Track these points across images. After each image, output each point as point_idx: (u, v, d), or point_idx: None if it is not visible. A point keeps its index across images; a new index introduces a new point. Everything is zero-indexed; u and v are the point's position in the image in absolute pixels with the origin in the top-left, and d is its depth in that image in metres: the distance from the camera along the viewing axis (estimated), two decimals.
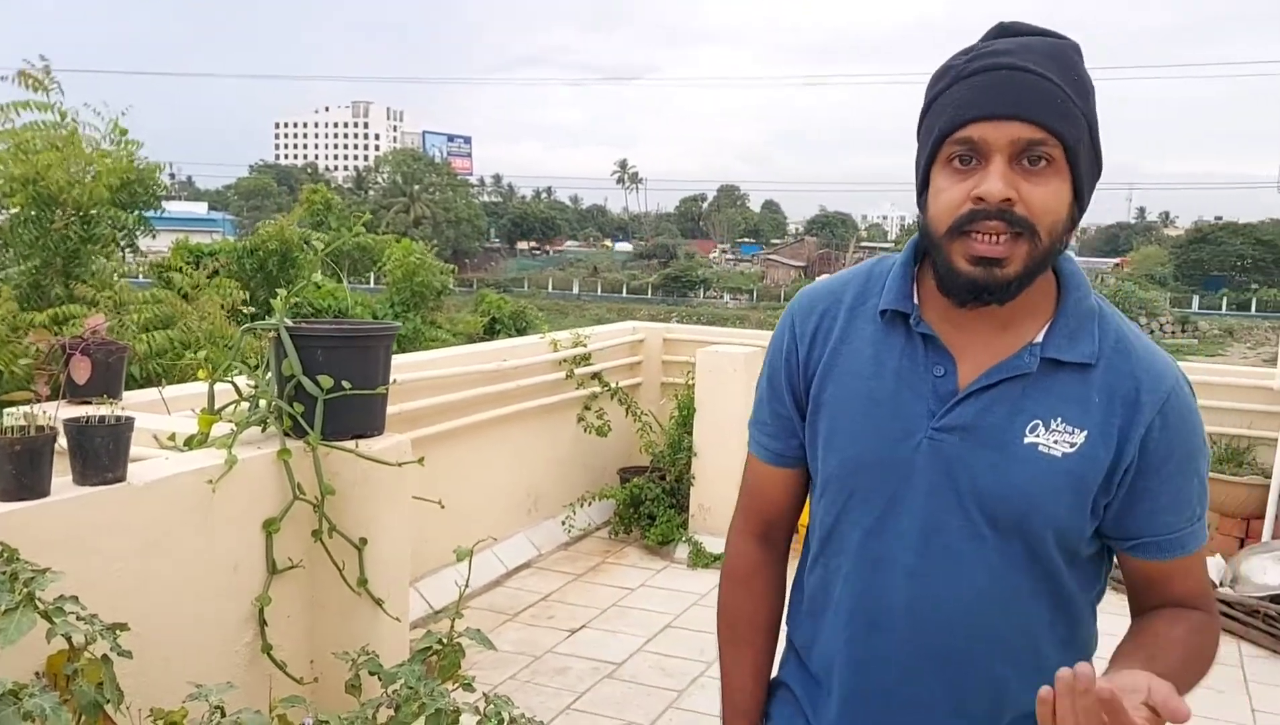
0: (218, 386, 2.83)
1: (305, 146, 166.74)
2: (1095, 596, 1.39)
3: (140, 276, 6.94)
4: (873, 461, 1.31)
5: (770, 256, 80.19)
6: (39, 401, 2.56)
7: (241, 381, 2.83)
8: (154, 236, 7.41)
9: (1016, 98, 1.19)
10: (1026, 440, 1.25)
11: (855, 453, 1.33)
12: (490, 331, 17.54)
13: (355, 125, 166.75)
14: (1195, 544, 1.32)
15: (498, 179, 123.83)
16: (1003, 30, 1.27)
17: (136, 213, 6.61)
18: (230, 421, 2.72)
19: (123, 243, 6.71)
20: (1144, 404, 1.26)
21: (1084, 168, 1.23)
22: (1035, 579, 1.29)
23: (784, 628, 1.56)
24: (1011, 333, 1.28)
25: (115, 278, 6.05)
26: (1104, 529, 1.31)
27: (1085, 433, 1.24)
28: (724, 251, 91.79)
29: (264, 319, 2.75)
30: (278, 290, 2.84)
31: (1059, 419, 1.25)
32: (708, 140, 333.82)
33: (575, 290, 70.14)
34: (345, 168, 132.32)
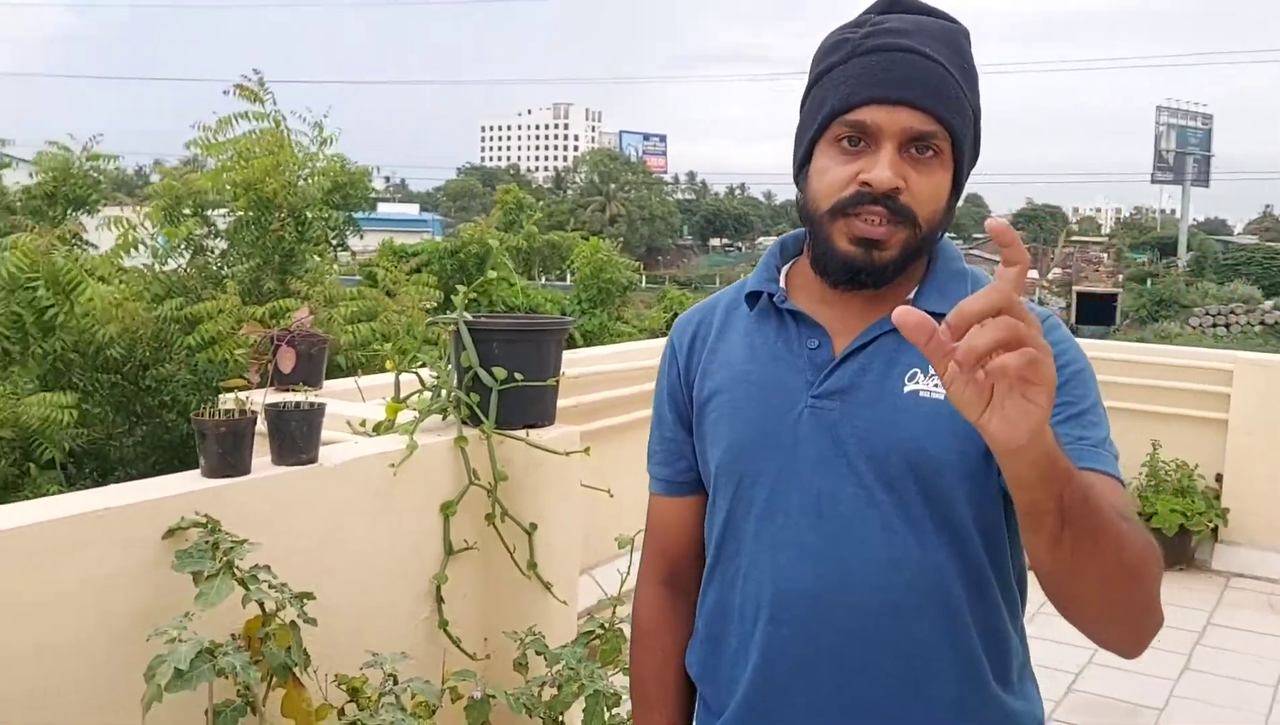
0: (406, 377, 3.01)
1: (509, 148, 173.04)
2: (1012, 575, 1.26)
3: (354, 275, 7.42)
4: (755, 441, 1.26)
5: (971, 251, 77.34)
6: (250, 388, 2.80)
7: (425, 372, 3.00)
8: (361, 236, 7.89)
9: (912, 84, 1.17)
10: (907, 389, 1.20)
11: (737, 436, 1.29)
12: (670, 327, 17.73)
13: (556, 127, 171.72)
14: (1108, 464, 1.17)
15: (691, 176, 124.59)
16: (894, 4, 1.24)
17: (346, 214, 7.07)
18: (414, 409, 2.89)
19: (334, 242, 7.20)
20: None
21: (967, 158, 1.23)
22: (946, 544, 1.20)
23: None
24: (884, 303, 1.23)
25: (326, 275, 6.50)
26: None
27: None
28: None
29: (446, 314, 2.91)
30: (458, 286, 3.00)
31: (930, 368, 1.17)
32: None
33: None
34: (546, 168, 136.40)
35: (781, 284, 1.34)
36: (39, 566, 1.89)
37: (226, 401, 2.45)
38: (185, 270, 6.84)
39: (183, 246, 6.84)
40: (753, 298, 1.34)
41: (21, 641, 1.85)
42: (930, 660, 1.22)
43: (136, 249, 6.28)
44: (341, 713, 2.28)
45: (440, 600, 2.75)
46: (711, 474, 1.34)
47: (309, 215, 6.42)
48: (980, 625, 1.23)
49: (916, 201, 1.19)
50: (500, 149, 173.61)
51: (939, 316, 1.05)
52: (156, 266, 6.55)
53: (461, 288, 2.92)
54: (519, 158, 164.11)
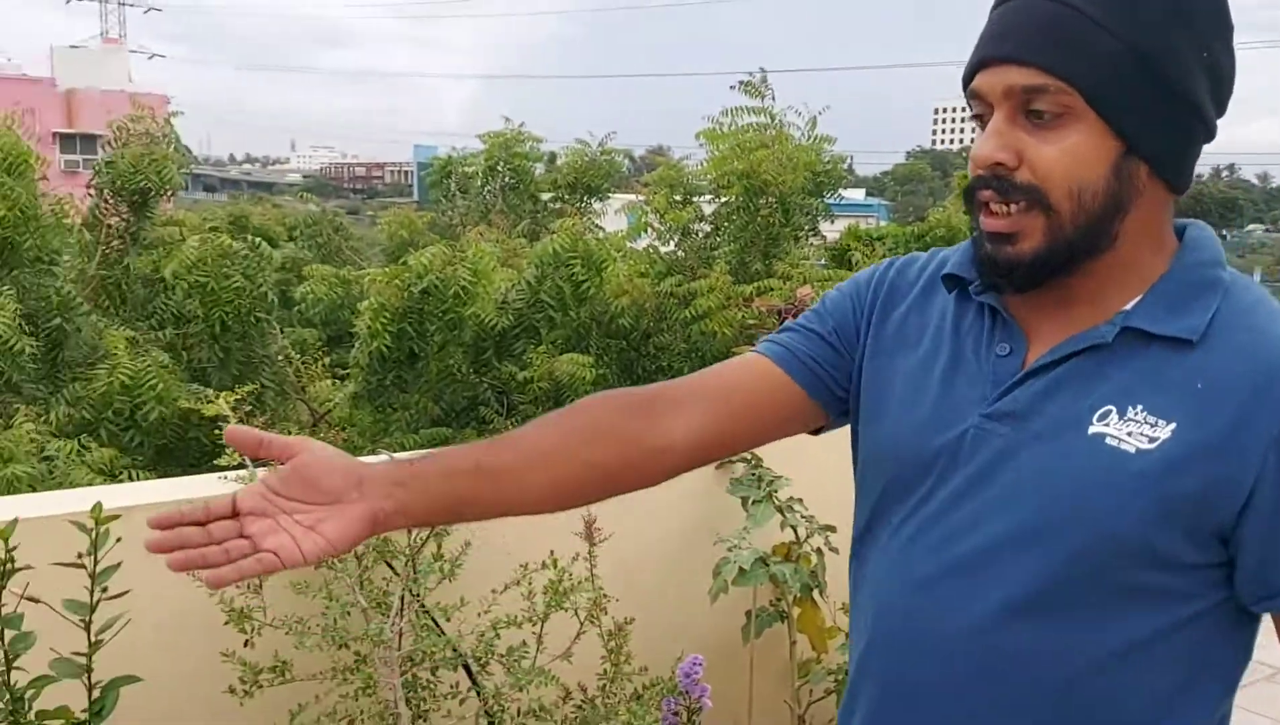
0: None
1: (963, 131, 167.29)
2: (1205, 672, 1.00)
3: (823, 260, 7.93)
4: (910, 451, 1.06)
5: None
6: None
7: None
8: (833, 221, 8.35)
9: (1013, 34, 0.97)
10: (1092, 430, 0.96)
11: (892, 438, 1.10)
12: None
13: None
14: None
15: None
16: None
17: (821, 200, 7.56)
18: None
19: (808, 227, 7.72)
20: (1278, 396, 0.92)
21: (1130, 111, 0.95)
22: (1085, 611, 0.96)
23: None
24: (1100, 307, 1.01)
25: (805, 257, 7.03)
26: (1243, 577, 0.95)
27: (1172, 426, 0.93)
28: None
29: None
30: None
31: (1139, 407, 0.95)
32: None
33: (1257, 277, 61.43)
34: None
35: None
36: None
37: None
38: (676, 252, 7.71)
39: (673, 230, 7.70)
40: (950, 281, 1.11)
41: (624, 528, 2.41)
42: None
43: (645, 232, 7.22)
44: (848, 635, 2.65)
45: None
46: (860, 458, 1.17)
47: (792, 201, 6.97)
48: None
49: (1041, 176, 0.96)
50: (954, 132, 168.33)
51: (1152, 337, 0.96)
52: (660, 247, 7.46)
53: None
54: (973, 140, 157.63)
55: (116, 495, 1.88)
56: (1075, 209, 0.96)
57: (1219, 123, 1.01)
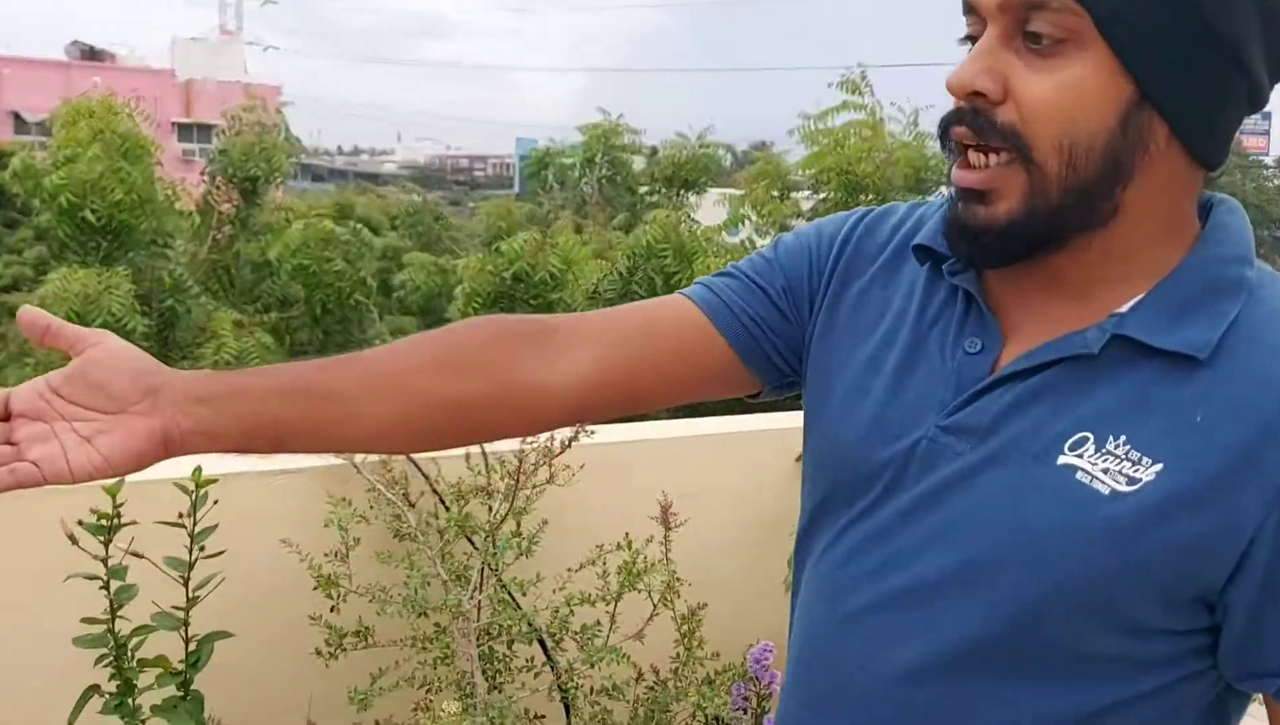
0: None
1: None
2: None
3: None
4: (853, 461, 0.89)
5: None
6: None
7: None
8: None
9: None
10: (1062, 460, 0.78)
11: (833, 444, 0.92)
12: None
13: None
14: None
15: None
16: None
17: (925, 197, 7.46)
18: None
19: None
20: None
21: (1150, 46, 0.74)
22: (1029, 673, 0.80)
23: None
24: (1092, 303, 0.82)
25: None
26: (1228, 649, 0.78)
27: (1158, 466, 0.75)
28: None
29: None
30: None
31: (1121, 438, 0.77)
32: None
33: None
34: None
35: None
36: (728, 462, 2.49)
37: None
38: None
39: (771, 223, 7.68)
40: (921, 253, 0.91)
41: (699, 515, 2.43)
42: None
43: (742, 225, 7.22)
44: None
45: None
46: (805, 452, 0.98)
47: (895, 199, 6.90)
48: None
49: (1026, 116, 0.76)
50: None
51: (1149, 350, 0.77)
52: (756, 241, 7.45)
53: None
54: None
55: (215, 462, 1.98)
56: (1064, 166, 0.76)
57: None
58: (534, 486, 2.08)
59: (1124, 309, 0.80)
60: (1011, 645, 0.79)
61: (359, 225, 8.59)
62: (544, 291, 6.77)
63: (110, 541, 1.59)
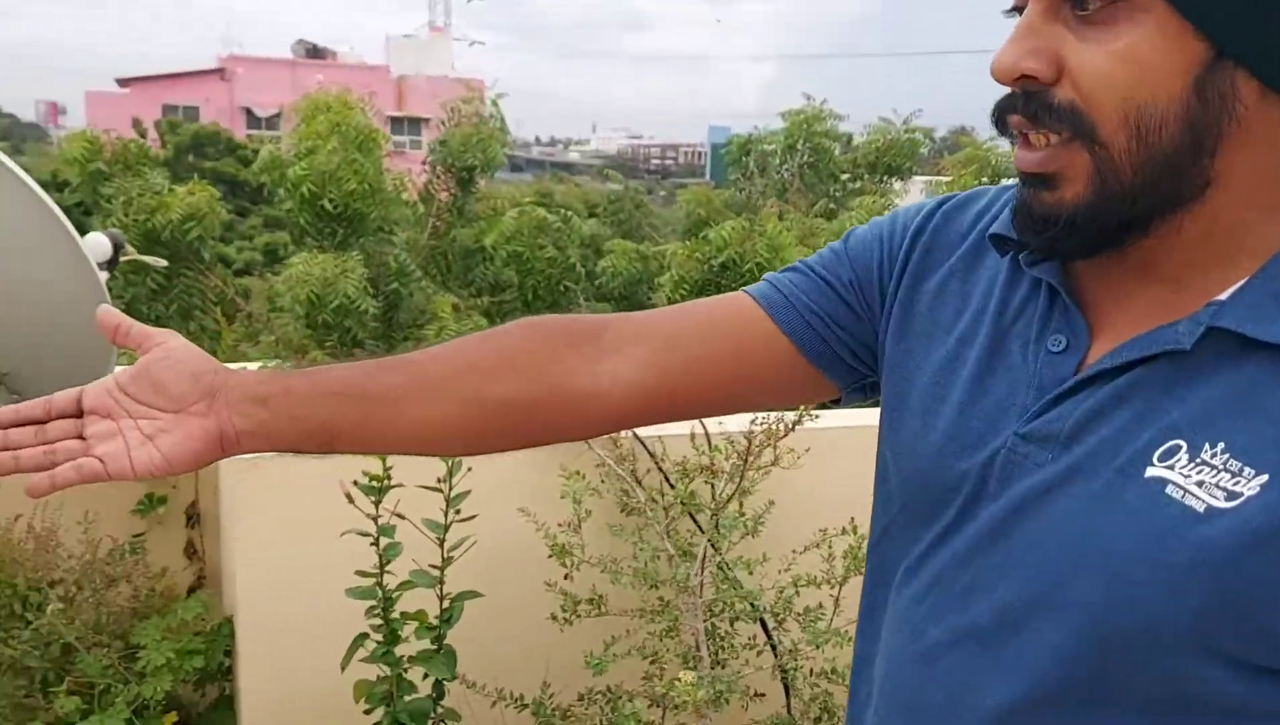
0: None
1: None
2: None
3: None
4: (928, 475, 0.80)
5: None
6: None
7: None
8: None
9: None
10: (1151, 472, 0.68)
11: (909, 455, 0.83)
12: None
13: None
14: None
15: None
16: None
17: None
18: None
19: None
20: None
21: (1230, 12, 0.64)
22: (1114, 713, 0.70)
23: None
24: (1189, 290, 0.71)
25: None
26: None
27: (1263, 478, 0.64)
28: None
29: None
30: None
31: (1219, 446, 0.66)
32: None
33: None
34: None
35: None
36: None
37: None
38: None
39: None
40: (999, 243, 0.82)
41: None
42: None
43: None
44: None
45: None
46: (878, 459, 0.91)
47: None
48: None
49: (1085, 92, 0.68)
50: None
51: (1252, 343, 0.67)
52: None
53: None
54: None
55: None
56: (1134, 142, 0.67)
57: None
58: (759, 468, 2.11)
59: (1224, 296, 0.69)
60: (1093, 681, 0.70)
61: (568, 212, 8.84)
62: (752, 281, 6.77)
63: (380, 502, 1.72)
